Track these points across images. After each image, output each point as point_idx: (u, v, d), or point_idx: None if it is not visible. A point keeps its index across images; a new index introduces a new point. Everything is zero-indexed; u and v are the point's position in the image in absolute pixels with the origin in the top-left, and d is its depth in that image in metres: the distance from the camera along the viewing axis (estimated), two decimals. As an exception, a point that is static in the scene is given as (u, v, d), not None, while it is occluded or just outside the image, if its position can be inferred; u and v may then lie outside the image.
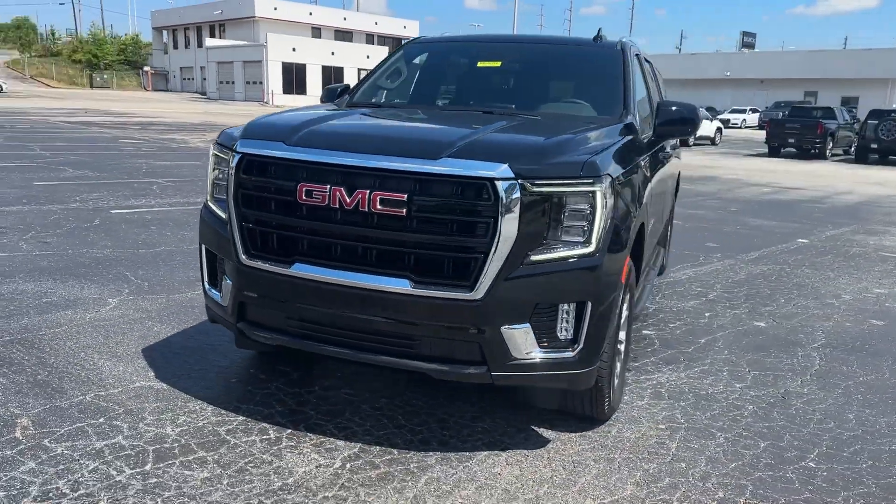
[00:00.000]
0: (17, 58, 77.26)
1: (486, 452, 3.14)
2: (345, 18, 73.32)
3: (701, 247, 8.28)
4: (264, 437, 3.17)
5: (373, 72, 4.69)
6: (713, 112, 47.84)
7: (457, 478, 2.92)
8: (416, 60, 4.85)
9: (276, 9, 66.89)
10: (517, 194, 2.75)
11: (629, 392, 3.87)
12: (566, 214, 2.87)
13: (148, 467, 2.85)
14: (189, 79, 74.30)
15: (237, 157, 3.11)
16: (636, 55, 4.73)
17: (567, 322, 2.95)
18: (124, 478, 2.76)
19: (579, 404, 3.35)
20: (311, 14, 70.23)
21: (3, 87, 48.87)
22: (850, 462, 3.22)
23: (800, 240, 9.15)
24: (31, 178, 10.82)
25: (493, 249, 2.76)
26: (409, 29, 75.90)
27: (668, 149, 5.19)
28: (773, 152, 26.82)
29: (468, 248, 2.80)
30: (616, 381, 3.53)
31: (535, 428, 3.40)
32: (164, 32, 79.78)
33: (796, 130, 25.98)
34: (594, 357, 3.03)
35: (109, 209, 8.51)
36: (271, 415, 3.38)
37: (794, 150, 26.65)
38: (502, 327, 2.84)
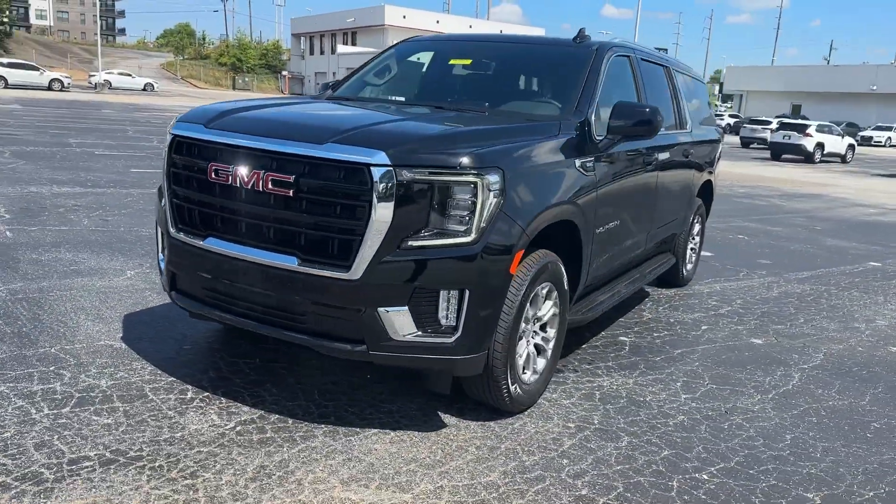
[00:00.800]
0: (171, 60, 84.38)
1: (375, 430, 3.26)
2: (470, 27, 74.34)
3: (750, 262, 7.87)
4: (181, 396, 3.45)
5: (359, 68, 4.91)
6: (854, 128, 44.55)
7: (332, 449, 3.06)
8: (405, 58, 5.01)
9: (404, 17, 69.04)
10: (393, 181, 2.86)
11: (561, 391, 3.84)
12: (447, 203, 2.94)
13: (65, 410, 3.20)
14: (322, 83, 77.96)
15: (170, 138, 3.42)
16: (624, 57, 4.65)
17: (449, 309, 3.02)
18: (39, 416, 3.12)
19: (475, 391, 3.39)
20: (437, 22, 71.81)
21: (155, 86, 53.53)
22: (750, 480, 3.06)
23: (871, 263, 8.47)
24: (132, 165, 11.93)
25: (367, 232, 2.88)
26: (536, 37, 75.80)
27: (665, 154, 5.04)
28: (907, 173, 24.68)
29: (347, 230, 2.94)
30: (532, 377, 3.54)
31: (442, 414, 3.47)
32: (302, 39, 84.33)
33: (935, 150, 23.71)
34: (476, 345, 3.07)
35: (181, 196, 9.23)
36: (200, 379, 3.66)
37: (931, 171, 24.39)
38: (379, 308, 2.96)
